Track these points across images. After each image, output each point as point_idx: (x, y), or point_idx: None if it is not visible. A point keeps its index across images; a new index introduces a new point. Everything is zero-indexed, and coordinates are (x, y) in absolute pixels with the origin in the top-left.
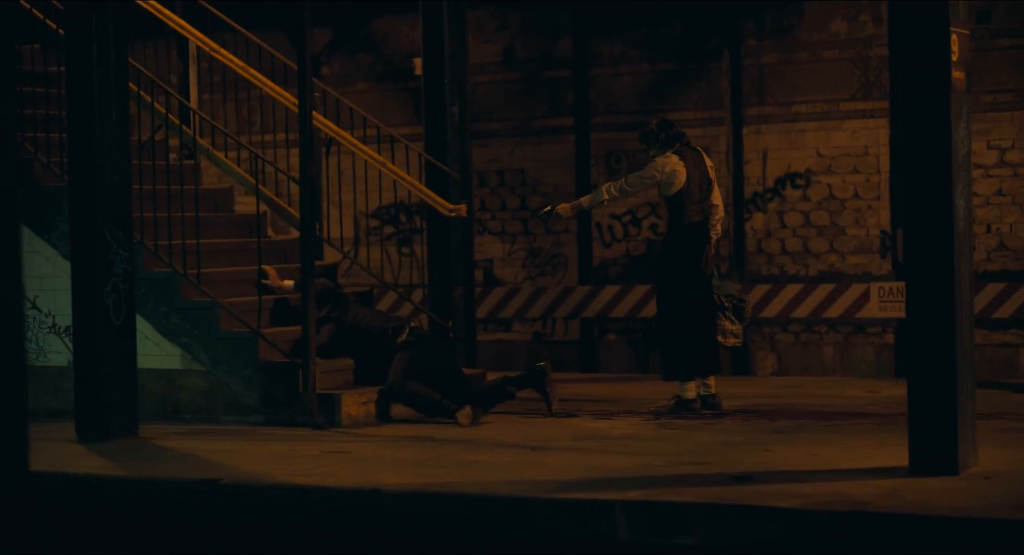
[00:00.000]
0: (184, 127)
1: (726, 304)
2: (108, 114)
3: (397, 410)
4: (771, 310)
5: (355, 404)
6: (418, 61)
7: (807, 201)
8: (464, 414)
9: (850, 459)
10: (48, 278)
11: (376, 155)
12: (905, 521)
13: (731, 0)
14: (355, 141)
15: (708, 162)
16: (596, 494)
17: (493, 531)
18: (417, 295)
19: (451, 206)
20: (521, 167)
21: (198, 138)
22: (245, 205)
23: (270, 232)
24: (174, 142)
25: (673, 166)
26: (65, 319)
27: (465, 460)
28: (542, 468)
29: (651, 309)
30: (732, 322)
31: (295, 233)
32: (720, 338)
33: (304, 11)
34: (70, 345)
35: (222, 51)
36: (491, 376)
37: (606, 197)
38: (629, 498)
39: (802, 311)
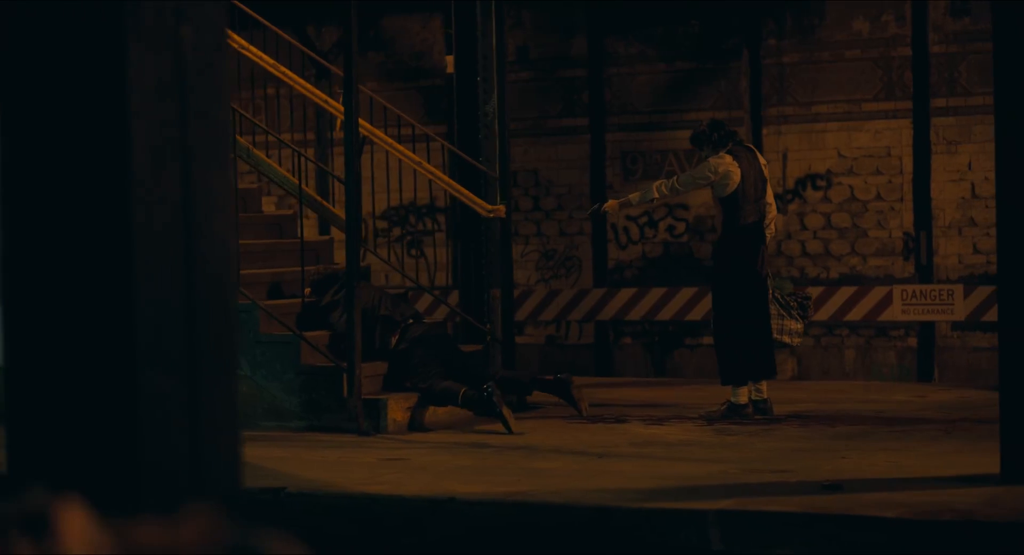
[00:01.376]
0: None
1: (792, 303)
2: None
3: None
4: None
5: (400, 409)
6: (450, 58)
7: (828, 203)
8: (508, 413)
9: (932, 467)
10: None
11: (412, 154)
12: (1014, 530)
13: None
14: (389, 139)
15: (762, 160)
16: (685, 503)
17: (577, 542)
18: (425, 300)
19: (489, 207)
20: (534, 168)
21: (238, 137)
22: (268, 205)
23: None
24: None
25: (727, 167)
26: None
27: (531, 468)
28: (616, 476)
29: (667, 312)
30: (797, 321)
31: (337, 234)
32: (786, 338)
33: (351, 12)
34: None
35: (251, 48)
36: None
37: (656, 196)
38: (721, 507)
39: (823, 314)
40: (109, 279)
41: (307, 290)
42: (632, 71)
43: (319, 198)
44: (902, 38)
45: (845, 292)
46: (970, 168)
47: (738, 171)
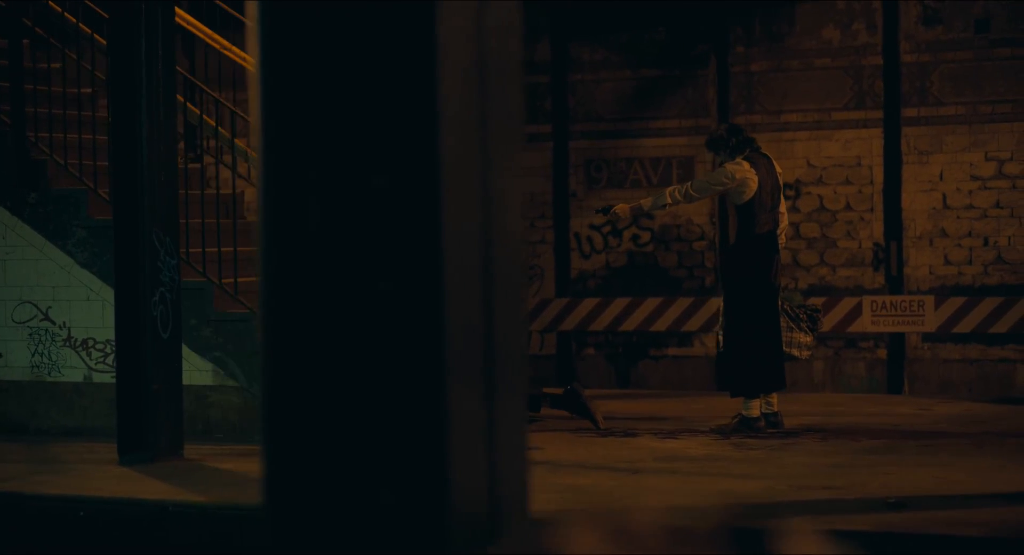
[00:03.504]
0: (220, 129)
1: (801, 315)
2: (156, 110)
3: None
4: None
5: None
6: None
7: (797, 212)
8: None
9: (983, 483)
10: (63, 288)
11: None
12: None
13: (718, 5)
14: None
15: (778, 169)
16: (750, 522)
17: None
18: None
19: None
20: None
21: (236, 140)
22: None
23: None
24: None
25: (744, 173)
26: (81, 331)
27: (565, 484)
28: (660, 493)
29: (632, 322)
30: (807, 334)
31: None
32: (795, 351)
33: None
34: (87, 359)
35: (233, 49)
36: None
37: (669, 201)
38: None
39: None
40: (416, 285)
41: None
42: (597, 78)
43: None
44: (873, 47)
45: (814, 303)
46: (941, 178)
47: (755, 178)
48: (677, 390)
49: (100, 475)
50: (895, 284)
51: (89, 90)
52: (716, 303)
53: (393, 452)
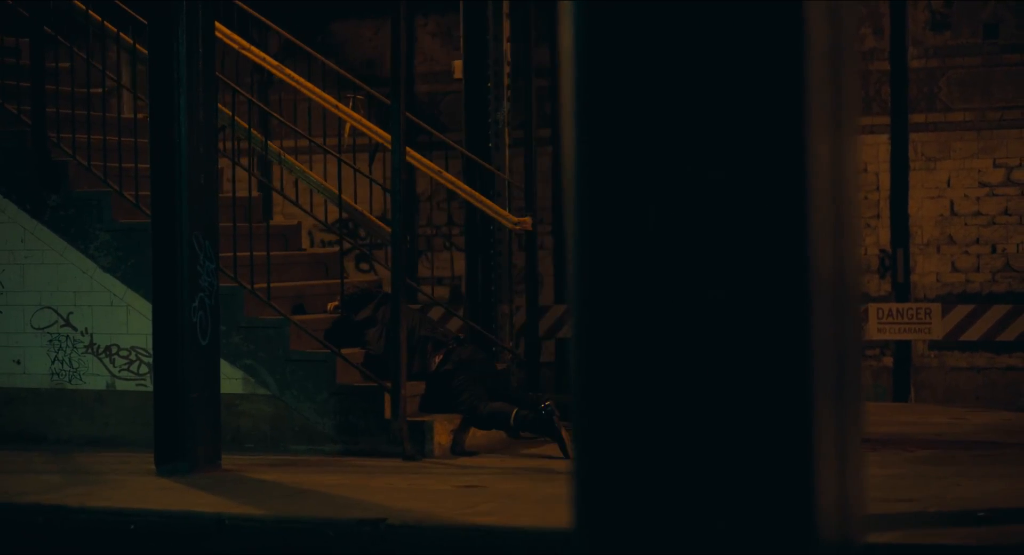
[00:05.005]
0: (254, 131)
1: None
2: (195, 110)
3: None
4: None
5: (444, 432)
6: (458, 64)
7: None
8: (568, 435)
9: None
10: (85, 293)
11: (430, 163)
12: None
13: None
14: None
15: None
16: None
17: None
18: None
19: (516, 219)
20: None
21: (270, 143)
22: (283, 217)
23: (304, 245)
24: None
25: None
26: (104, 338)
27: None
28: None
29: None
30: None
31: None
32: None
33: (399, 38)
34: (110, 366)
35: (253, 49)
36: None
37: None
38: (888, 541)
39: None
40: (781, 292)
41: (331, 305)
42: None
43: (361, 208)
44: (880, 52)
45: None
46: (949, 185)
47: None
48: None
49: (141, 486)
50: (902, 291)
51: (100, 90)
52: None
53: (742, 480)
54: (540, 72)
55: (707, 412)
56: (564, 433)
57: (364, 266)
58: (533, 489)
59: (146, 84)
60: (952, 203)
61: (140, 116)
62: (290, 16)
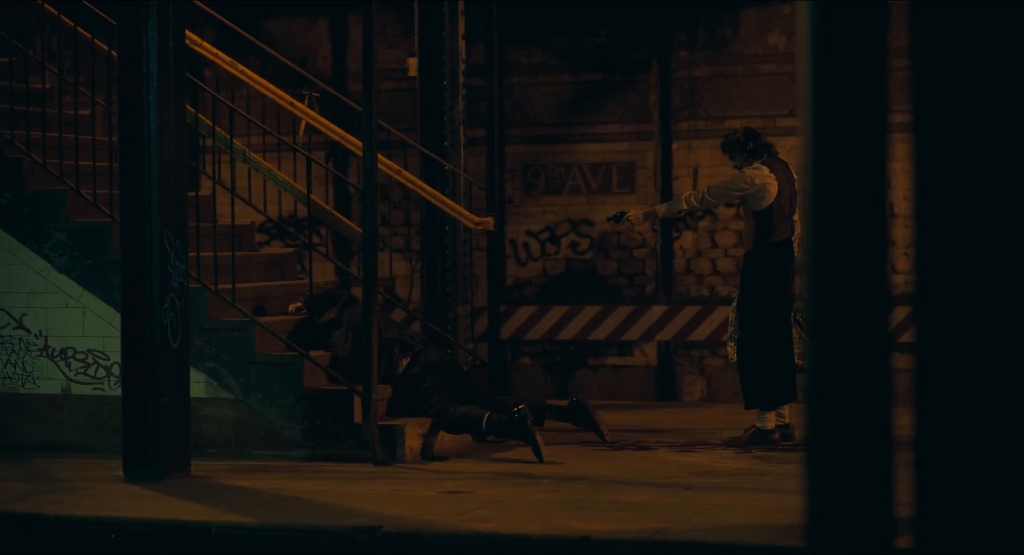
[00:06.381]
0: (218, 129)
1: None
2: (166, 107)
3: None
4: (700, 333)
5: (415, 436)
6: (412, 61)
7: (740, 220)
8: (541, 439)
9: None
10: (39, 294)
11: (388, 162)
12: None
13: (660, 10)
14: (359, 143)
15: (795, 175)
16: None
17: None
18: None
19: (477, 219)
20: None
21: (235, 141)
22: (244, 217)
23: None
24: None
25: (764, 179)
26: (59, 341)
27: (621, 501)
28: (728, 511)
29: (570, 331)
30: None
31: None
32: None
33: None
34: (65, 370)
35: (205, 44)
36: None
37: (685, 207)
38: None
39: None
40: None
41: (292, 307)
42: (535, 81)
43: (330, 208)
44: None
45: None
46: (889, 186)
47: (775, 184)
48: (618, 399)
49: (113, 494)
50: None
51: (42, 86)
52: (657, 311)
53: None
54: (473, 71)
55: None
56: (537, 437)
57: (297, 268)
58: (520, 494)
59: (100, 80)
60: (891, 205)
61: (84, 112)
62: (221, 13)
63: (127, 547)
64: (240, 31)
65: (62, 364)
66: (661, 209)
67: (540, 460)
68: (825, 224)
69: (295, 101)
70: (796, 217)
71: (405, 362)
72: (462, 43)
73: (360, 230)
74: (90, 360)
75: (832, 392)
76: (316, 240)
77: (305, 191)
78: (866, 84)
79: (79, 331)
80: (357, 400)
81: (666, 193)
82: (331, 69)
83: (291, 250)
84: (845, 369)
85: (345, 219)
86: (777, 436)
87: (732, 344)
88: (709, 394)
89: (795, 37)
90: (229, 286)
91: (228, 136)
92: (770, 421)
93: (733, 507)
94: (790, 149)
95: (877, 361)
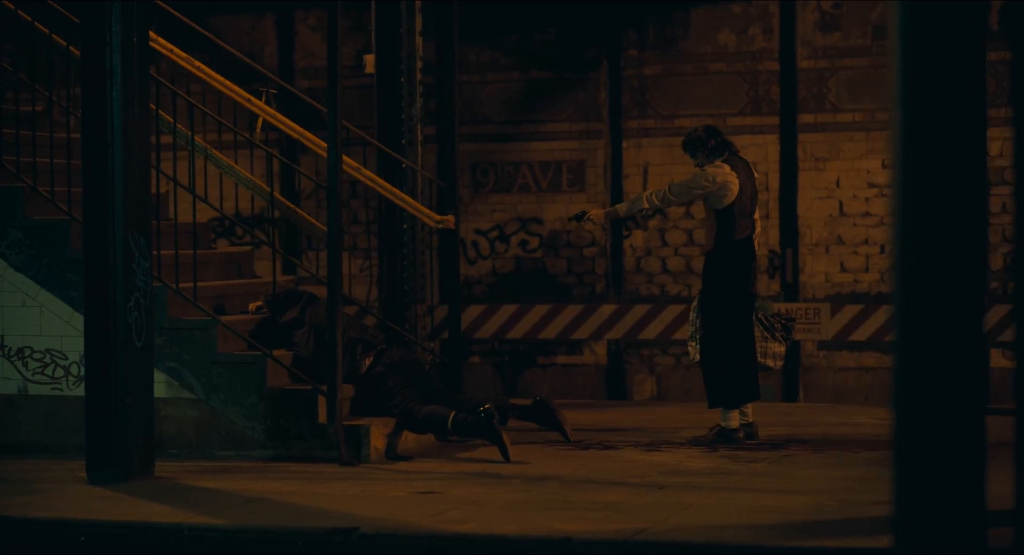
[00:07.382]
0: (179, 126)
1: (776, 324)
2: (130, 104)
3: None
4: (650, 332)
5: (380, 436)
6: (370, 58)
7: (690, 219)
8: (507, 439)
9: None
10: None
11: (349, 160)
12: None
13: (611, 8)
14: (321, 142)
15: (756, 174)
16: (840, 541)
17: None
18: None
19: (438, 217)
20: None
21: (197, 138)
22: (187, 215)
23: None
24: None
25: (725, 177)
26: (15, 339)
27: (596, 501)
28: (703, 510)
29: (519, 330)
30: (780, 343)
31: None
32: (769, 361)
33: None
34: (23, 370)
35: (160, 39)
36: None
37: (646, 206)
38: (886, 546)
39: (684, 333)
40: None
41: (252, 306)
42: (484, 79)
43: (294, 207)
44: (769, 52)
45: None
46: (838, 185)
47: (737, 182)
48: (568, 398)
49: (78, 496)
50: (791, 291)
51: None
52: (607, 310)
53: None
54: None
55: None
56: (504, 436)
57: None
58: (492, 495)
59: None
60: (841, 204)
61: (40, 108)
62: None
63: (96, 549)
64: (194, 26)
65: (19, 364)
66: (623, 208)
67: (507, 460)
68: (918, 221)
69: (252, 97)
70: (757, 216)
71: (368, 361)
72: (419, 40)
73: (324, 227)
74: (48, 360)
75: (925, 389)
76: (263, 237)
77: (268, 188)
78: (963, 78)
79: (36, 330)
80: (321, 400)
81: (616, 191)
82: (278, 66)
83: (248, 249)
84: (939, 366)
85: (309, 217)
86: (741, 435)
87: (694, 343)
88: (659, 393)
89: (744, 36)
90: (190, 285)
91: (189, 133)
92: (734, 420)
93: (709, 506)
94: (741, 147)
95: (970, 358)
